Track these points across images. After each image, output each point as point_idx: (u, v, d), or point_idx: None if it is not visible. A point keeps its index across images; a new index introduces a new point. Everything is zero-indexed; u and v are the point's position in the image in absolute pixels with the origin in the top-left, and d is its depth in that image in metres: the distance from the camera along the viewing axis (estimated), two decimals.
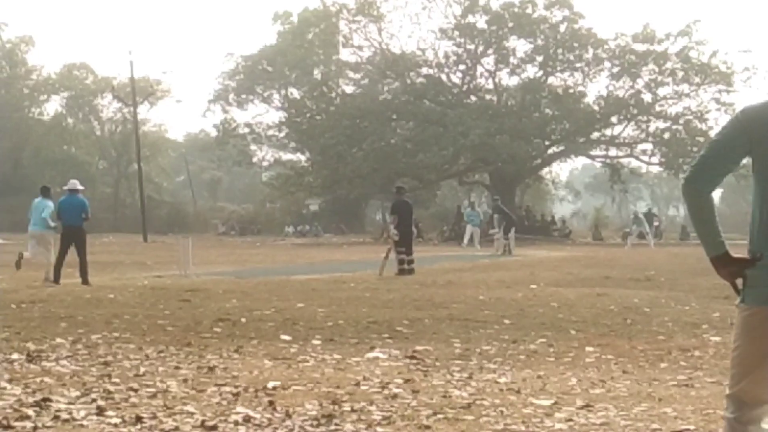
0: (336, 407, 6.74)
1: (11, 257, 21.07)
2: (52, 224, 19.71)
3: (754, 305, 3.86)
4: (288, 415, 6.48)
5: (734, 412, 3.96)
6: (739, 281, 3.92)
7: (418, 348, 9.92)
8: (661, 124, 58.71)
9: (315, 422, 6.32)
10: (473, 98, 61.06)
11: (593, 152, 64.26)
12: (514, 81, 61.54)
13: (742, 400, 3.93)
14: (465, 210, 48.29)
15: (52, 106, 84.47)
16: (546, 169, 68.52)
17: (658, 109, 58.54)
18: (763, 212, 3.86)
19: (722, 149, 3.90)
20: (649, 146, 59.94)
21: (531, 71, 60.35)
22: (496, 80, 61.63)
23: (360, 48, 64.75)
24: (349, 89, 69.27)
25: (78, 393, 7.16)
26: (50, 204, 19.99)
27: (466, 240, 41.25)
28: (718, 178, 3.92)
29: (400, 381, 7.88)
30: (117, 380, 7.75)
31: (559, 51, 58.68)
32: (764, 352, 3.86)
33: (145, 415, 6.41)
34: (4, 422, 6.16)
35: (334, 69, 70.99)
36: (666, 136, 57.28)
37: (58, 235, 19.74)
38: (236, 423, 6.27)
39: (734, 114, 3.96)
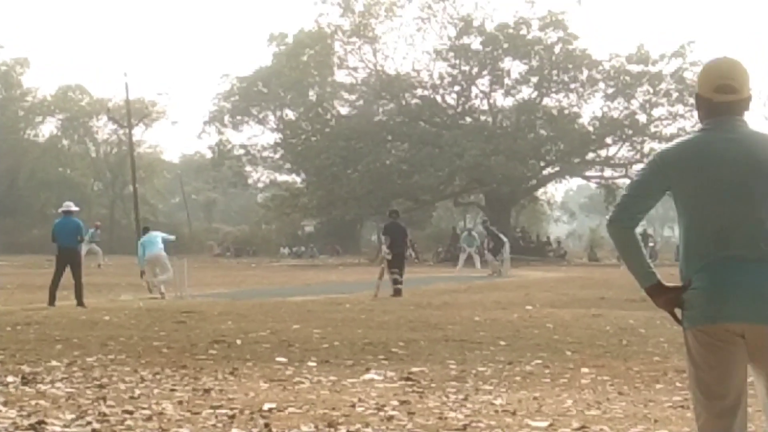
0: (332, 429, 6.74)
1: (6, 279, 21.07)
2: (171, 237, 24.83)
3: (694, 326, 4.08)
4: None
5: None
6: (679, 311, 4.16)
7: (414, 369, 9.91)
8: (656, 145, 58.77)
9: None
10: (468, 119, 61.17)
11: (588, 173, 64.39)
12: (508, 102, 61.76)
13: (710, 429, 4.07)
14: (462, 233, 48.20)
15: (48, 127, 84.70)
16: (541, 190, 68.67)
17: (653, 129, 58.68)
18: (688, 242, 4.12)
19: (642, 190, 4.20)
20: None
21: (526, 92, 60.56)
22: (491, 101, 61.82)
23: (355, 69, 64.98)
24: (344, 110, 69.43)
25: (73, 416, 7.15)
26: (158, 234, 24.52)
27: (460, 265, 40.98)
28: (639, 216, 4.21)
29: (395, 403, 7.87)
30: (112, 403, 7.74)
31: (554, 72, 58.85)
32: (719, 373, 4.03)
33: None
34: None
35: (329, 90, 71.14)
36: None
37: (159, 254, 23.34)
38: None
39: (651, 157, 4.25)
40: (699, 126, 4.31)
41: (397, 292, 22.12)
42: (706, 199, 4.05)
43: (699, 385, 4.10)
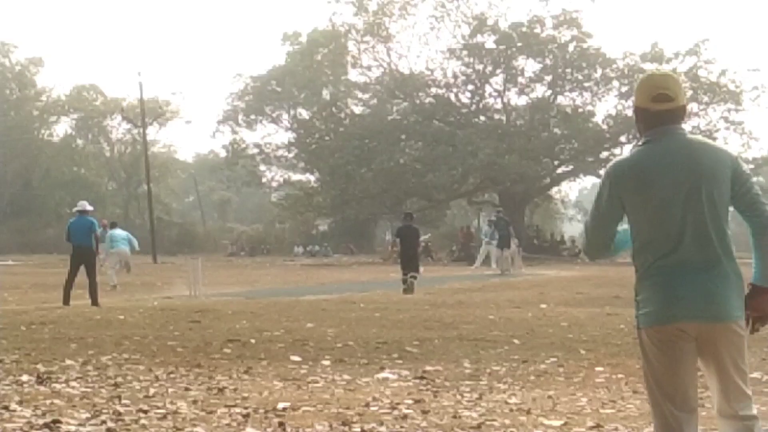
0: (346, 428, 6.74)
1: (21, 279, 21.10)
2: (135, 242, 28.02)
3: (648, 326, 4.29)
4: None
5: None
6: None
7: (428, 368, 9.91)
8: None
9: None
10: (482, 118, 61.09)
11: (602, 171, 64.13)
12: (522, 101, 61.61)
13: (669, 426, 4.28)
14: (484, 226, 47.79)
15: (62, 127, 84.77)
16: (555, 189, 68.50)
17: None
18: (641, 249, 4.35)
19: (603, 213, 4.45)
20: None
21: (540, 91, 60.44)
22: (505, 100, 61.67)
23: (369, 68, 64.99)
24: (357, 109, 69.38)
25: (88, 414, 7.17)
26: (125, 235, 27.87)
27: (478, 262, 40.83)
28: (609, 239, 4.47)
29: (409, 401, 7.87)
30: (127, 402, 7.76)
31: (568, 71, 58.72)
32: (671, 369, 4.26)
33: None
34: None
35: (343, 89, 71.10)
36: None
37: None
38: None
39: (602, 178, 4.52)
40: (641, 140, 4.51)
41: (406, 291, 22.89)
42: (654, 208, 4.27)
43: (653, 383, 4.32)
